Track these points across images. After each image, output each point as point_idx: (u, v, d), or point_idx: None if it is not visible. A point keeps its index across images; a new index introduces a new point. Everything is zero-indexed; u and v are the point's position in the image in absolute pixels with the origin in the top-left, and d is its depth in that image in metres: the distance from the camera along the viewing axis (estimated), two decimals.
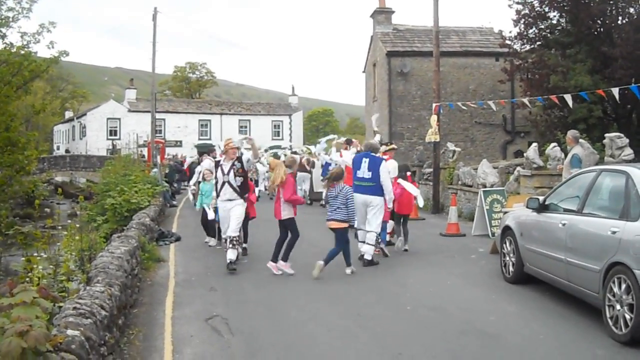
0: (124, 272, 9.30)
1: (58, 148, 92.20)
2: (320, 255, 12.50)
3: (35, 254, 11.29)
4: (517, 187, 19.85)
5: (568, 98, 19.70)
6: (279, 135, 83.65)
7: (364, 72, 46.62)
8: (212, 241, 16.99)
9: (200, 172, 18.92)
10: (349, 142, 22.83)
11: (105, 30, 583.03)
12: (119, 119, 78.06)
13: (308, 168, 28.82)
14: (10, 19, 28.35)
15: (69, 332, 5.68)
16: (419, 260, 14.31)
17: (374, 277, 12.49)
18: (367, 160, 13.82)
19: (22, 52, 28.61)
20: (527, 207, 11.14)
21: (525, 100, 23.74)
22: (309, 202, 28.00)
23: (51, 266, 9.96)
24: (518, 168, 20.43)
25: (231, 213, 13.44)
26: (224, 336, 8.65)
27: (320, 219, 16.03)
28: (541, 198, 11.11)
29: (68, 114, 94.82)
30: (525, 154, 20.54)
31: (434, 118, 24.95)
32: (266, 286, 11.81)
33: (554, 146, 19.16)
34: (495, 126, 38.87)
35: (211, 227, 17.03)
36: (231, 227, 13.29)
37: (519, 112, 36.16)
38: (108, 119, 78.39)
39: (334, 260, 12.40)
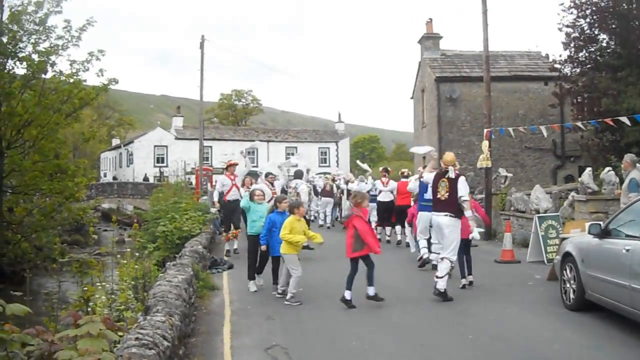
0: (182, 301, 9.22)
1: (105, 175, 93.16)
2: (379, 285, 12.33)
3: (91, 282, 11.30)
4: (572, 213, 19.53)
5: (624, 120, 19.39)
6: (325, 162, 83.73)
7: (412, 98, 46.52)
8: (255, 284, 14.39)
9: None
10: (386, 171, 23.00)
11: (152, 58, 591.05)
12: (166, 146, 78.64)
13: (336, 193, 29.75)
14: (60, 47, 28.61)
15: None
16: (476, 287, 14.03)
17: (432, 305, 12.26)
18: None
19: (72, 80, 28.81)
20: (588, 232, 10.87)
21: (579, 124, 23.39)
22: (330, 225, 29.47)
23: (108, 295, 9.90)
24: (572, 193, 20.10)
25: None
26: None
27: None
28: (603, 224, 10.85)
29: (115, 142, 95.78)
30: (579, 179, 20.20)
31: (485, 144, 24.63)
32: (323, 315, 11.65)
33: (609, 170, 18.82)
34: (545, 151, 38.48)
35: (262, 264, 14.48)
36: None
37: (569, 136, 35.81)
38: (155, 146, 79.06)
39: (390, 290, 12.23)
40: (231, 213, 18.61)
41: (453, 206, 13.06)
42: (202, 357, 8.94)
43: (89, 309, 9.07)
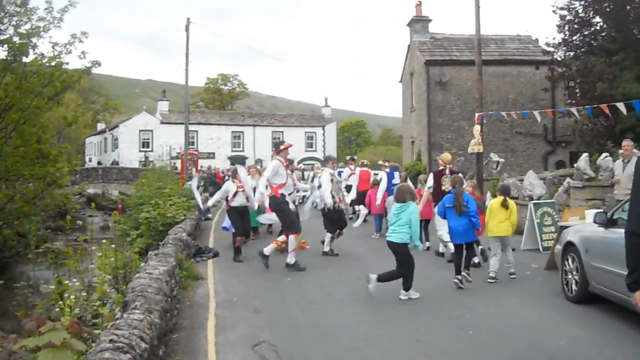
0: (163, 295, 8.54)
1: (90, 160, 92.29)
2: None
3: (67, 274, 10.75)
4: (567, 199, 19.09)
5: (621, 106, 18.86)
6: (312, 147, 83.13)
7: (400, 82, 46.01)
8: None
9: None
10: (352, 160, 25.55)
11: (137, 42, 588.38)
12: (151, 130, 77.85)
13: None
14: (41, 29, 27.87)
15: None
16: (472, 278, 13.49)
17: (428, 297, 11.67)
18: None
19: (54, 62, 28.12)
20: (594, 222, 10.29)
21: (574, 109, 22.83)
22: None
23: (84, 292, 9.27)
24: (568, 179, 19.67)
25: None
26: None
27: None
28: (609, 212, 10.29)
29: (100, 126, 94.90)
30: (575, 165, 19.71)
31: (477, 128, 24.11)
32: (313, 307, 11.08)
33: (606, 156, 18.36)
34: (536, 136, 38.06)
35: None
36: None
37: (560, 121, 35.48)
38: (140, 130, 78.25)
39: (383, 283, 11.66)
40: (240, 219, 17.43)
41: None
42: (184, 356, 8.29)
43: (61, 305, 8.40)
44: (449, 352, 8.36)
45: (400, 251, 11.54)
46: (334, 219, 16.78)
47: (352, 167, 24.76)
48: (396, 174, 20.25)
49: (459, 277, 12.45)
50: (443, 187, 15.97)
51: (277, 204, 15.15)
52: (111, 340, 5.79)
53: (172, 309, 9.74)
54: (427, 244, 17.55)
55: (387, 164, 21.70)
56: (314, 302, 11.54)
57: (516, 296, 11.74)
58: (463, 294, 11.93)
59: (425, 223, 17.32)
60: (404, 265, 11.55)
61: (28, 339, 4.34)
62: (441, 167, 16.69)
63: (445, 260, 15.56)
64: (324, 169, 17.47)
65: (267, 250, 14.85)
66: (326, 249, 16.89)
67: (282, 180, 15.18)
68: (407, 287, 11.56)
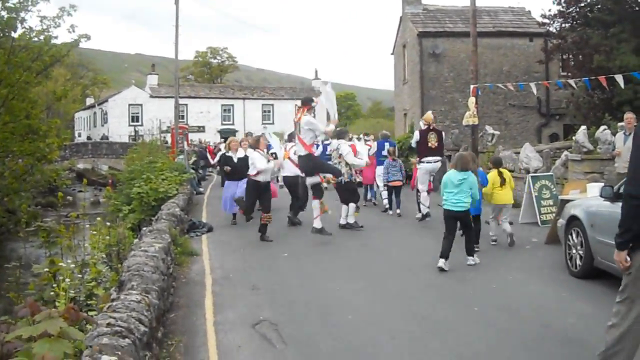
0: (160, 274, 8.23)
1: (79, 135, 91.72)
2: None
3: (60, 253, 10.47)
4: (565, 172, 18.89)
5: (619, 79, 18.56)
6: None
7: (392, 54, 45.62)
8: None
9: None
10: None
11: (125, 16, 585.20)
12: (141, 105, 77.41)
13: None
14: (29, 2, 27.44)
15: (104, 358, 4.67)
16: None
17: (430, 272, 11.43)
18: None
19: (42, 36, 27.72)
20: (600, 195, 10.02)
21: (571, 81, 22.52)
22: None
23: (77, 271, 8.95)
24: (565, 152, 19.45)
25: None
26: (276, 346, 7.63)
27: None
28: (615, 186, 10.02)
29: (89, 101, 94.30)
30: (574, 138, 19.47)
31: (472, 100, 23.74)
32: (312, 282, 10.84)
33: (605, 129, 18.14)
34: (529, 109, 37.80)
35: None
36: None
37: (554, 94, 35.28)
38: (130, 105, 77.81)
39: (384, 257, 11.42)
40: (260, 194, 16.08)
41: (442, 151, 18.18)
42: (182, 337, 7.98)
43: (55, 288, 8.05)
44: (458, 330, 8.11)
45: (466, 218, 11.98)
46: (351, 190, 16.46)
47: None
48: (386, 144, 19.99)
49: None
50: (429, 144, 17.45)
51: (315, 162, 15.12)
52: (109, 324, 5.50)
53: (169, 287, 9.43)
54: (398, 210, 19.02)
55: (367, 137, 22.06)
56: (313, 278, 11.29)
57: (519, 271, 11.53)
58: (464, 268, 11.69)
59: (397, 190, 19.17)
60: (470, 229, 12.21)
61: (22, 329, 4.04)
62: (425, 126, 17.90)
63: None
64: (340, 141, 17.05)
65: (317, 223, 14.79)
66: (351, 220, 16.46)
67: (314, 139, 15.19)
68: (472, 252, 12.12)
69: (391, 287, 10.44)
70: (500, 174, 14.04)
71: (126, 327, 5.53)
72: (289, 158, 17.30)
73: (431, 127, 17.75)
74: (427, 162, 17.52)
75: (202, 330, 8.31)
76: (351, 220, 16.47)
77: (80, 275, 9.07)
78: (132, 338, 5.40)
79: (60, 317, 4.17)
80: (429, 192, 17.83)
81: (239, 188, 17.08)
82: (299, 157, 15.23)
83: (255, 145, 15.57)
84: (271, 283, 10.89)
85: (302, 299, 9.82)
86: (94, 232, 12.04)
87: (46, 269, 8.87)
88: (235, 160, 18.23)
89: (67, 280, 7.88)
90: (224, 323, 8.55)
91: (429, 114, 18.62)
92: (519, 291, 10.04)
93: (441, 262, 11.45)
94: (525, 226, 16.86)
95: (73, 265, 9.51)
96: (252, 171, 15.06)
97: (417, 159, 17.92)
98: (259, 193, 15.32)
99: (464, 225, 12.18)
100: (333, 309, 9.12)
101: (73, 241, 11.04)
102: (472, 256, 12.00)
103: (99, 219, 13.17)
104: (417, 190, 18.09)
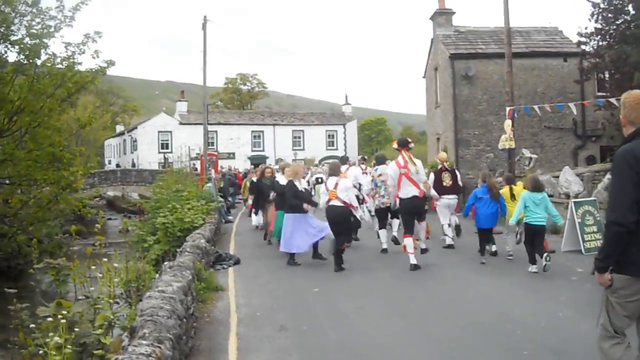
0: (176, 318, 7.43)
1: (109, 162, 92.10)
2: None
3: (74, 289, 9.84)
4: (607, 197, 17.92)
5: None
6: (333, 145, 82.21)
7: (424, 77, 44.89)
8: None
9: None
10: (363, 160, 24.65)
11: (156, 43, 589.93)
12: (170, 132, 77.26)
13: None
14: (53, 29, 27.16)
15: None
16: (514, 282, 12.43)
17: (469, 304, 10.67)
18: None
19: (66, 63, 27.42)
20: None
21: (613, 100, 21.67)
22: None
23: (88, 311, 8.23)
24: (608, 175, 18.53)
25: None
26: None
27: None
28: None
29: (119, 128, 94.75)
30: (610, 160, 18.63)
31: (508, 123, 23.11)
32: (345, 323, 10.01)
33: None
34: (565, 130, 36.75)
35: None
36: None
37: (590, 115, 34.30)
38: (159, 132, 77.73)
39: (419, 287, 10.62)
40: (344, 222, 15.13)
41: (457, 189, 18.84)
42: None
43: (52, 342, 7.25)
44: None
45: (543, 230, 13.84)
46: (384, 215, 17.59)
47: (363, 166, 23.19)
48: (381, 167, 18.16)
49: (483, 258, 15.19)
50: (444, 183, 18.20)
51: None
52: None
53: (189, 329, 8.66)
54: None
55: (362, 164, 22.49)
56: (345, 316, 10.50)
57: (567, 306, 10.64)
58: (510, 302, 10.84)
59: None
60: (541, 242, 13.68)
61: None
62: (440, 166, 18.76)
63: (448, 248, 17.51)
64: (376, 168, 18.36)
65: (422, 245, 15.26)
66: (386, 245, 17.25)
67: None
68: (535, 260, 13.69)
69: (430, 328, 9.55)
70: (511, 189, 15.52)
71: None
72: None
73: (445, 168, 18.63)
74: (446, 199, 18.09)
75: None
76: (386, 245, 17.24)
77: (92, 315, 8.40)
78: None
79: None
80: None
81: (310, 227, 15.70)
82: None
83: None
84: (300, 322, 10.13)
85: (333, 340, 9.03)
86: (108, 270, 11.26)
87: (49, 317, 8.13)
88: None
89: (57, 338, 7.08)
90: None
91: (443, 154, 20.03)
92: (570, 331, 9.13)
93: (533, 268, 13.57)
94: (568, 255, 16.00)
95: (85, 305, 8.83)
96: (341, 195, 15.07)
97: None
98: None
99: (540, 236, 13.63)
100: (367, 353, 8.31)
101: (88, 276, 10.37)
102: (535, 263, 13.61)
103: (115, 252, 12.46)
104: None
